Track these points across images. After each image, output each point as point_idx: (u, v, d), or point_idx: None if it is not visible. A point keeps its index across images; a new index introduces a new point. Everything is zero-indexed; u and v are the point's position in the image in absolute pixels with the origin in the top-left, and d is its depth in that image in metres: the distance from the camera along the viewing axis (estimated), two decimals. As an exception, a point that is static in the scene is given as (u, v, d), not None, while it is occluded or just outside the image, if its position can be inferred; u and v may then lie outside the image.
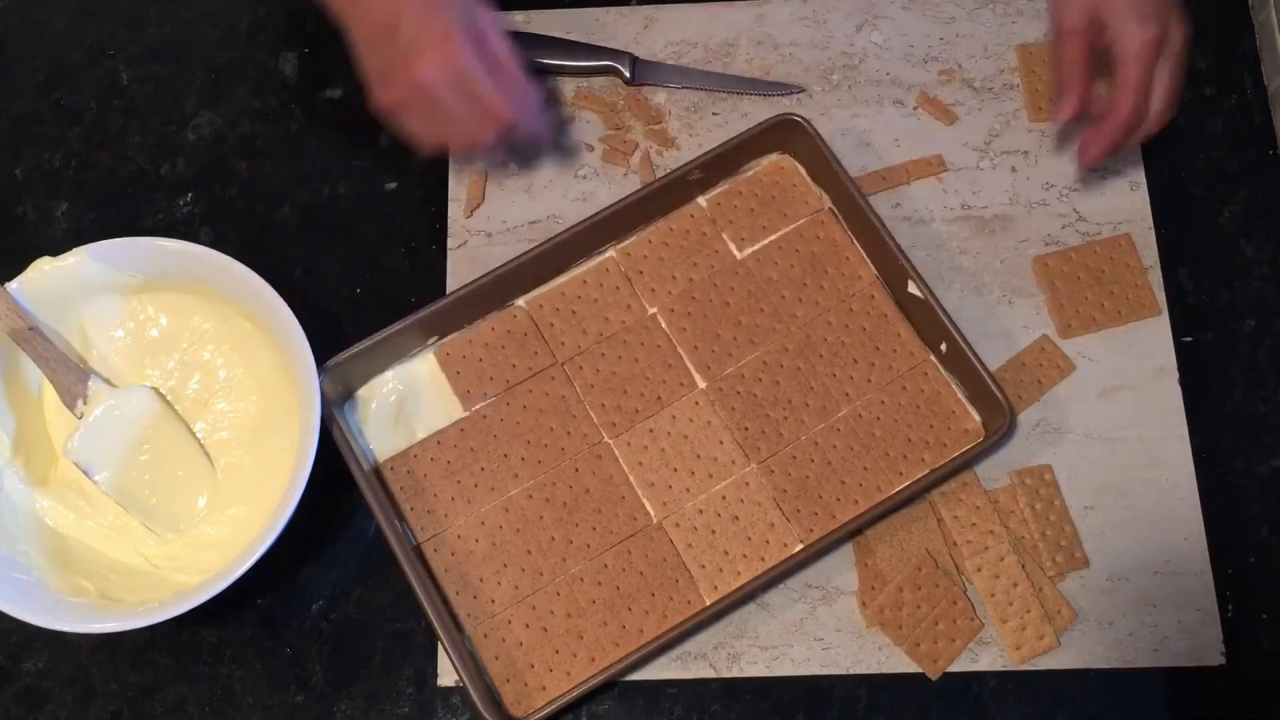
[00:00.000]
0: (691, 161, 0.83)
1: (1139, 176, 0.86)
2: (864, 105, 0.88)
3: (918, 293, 0.80)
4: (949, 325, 0.79)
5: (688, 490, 0.79)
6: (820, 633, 0.77)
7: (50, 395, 0.78)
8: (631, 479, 0.80)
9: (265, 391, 0.80)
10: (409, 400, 0.81)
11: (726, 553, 0.78)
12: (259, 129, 0.90)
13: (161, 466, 0.78)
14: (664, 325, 0.83)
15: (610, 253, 0.84)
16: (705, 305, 0.83)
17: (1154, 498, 0.79)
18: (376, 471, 0.79)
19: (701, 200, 0.85)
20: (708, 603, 0.76)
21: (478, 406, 0.81)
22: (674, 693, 0.77)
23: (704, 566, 0.78)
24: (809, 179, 0.86)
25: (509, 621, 0.77)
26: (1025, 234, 0.85)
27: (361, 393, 0.81)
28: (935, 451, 0.79)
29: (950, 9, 0.91)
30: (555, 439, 0.80)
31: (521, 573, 0.78)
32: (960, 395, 0.81)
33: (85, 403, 0.76)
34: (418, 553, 0.78)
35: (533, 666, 0.76)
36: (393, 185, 0.88)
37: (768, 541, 0.78)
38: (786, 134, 0.84)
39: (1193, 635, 0.77)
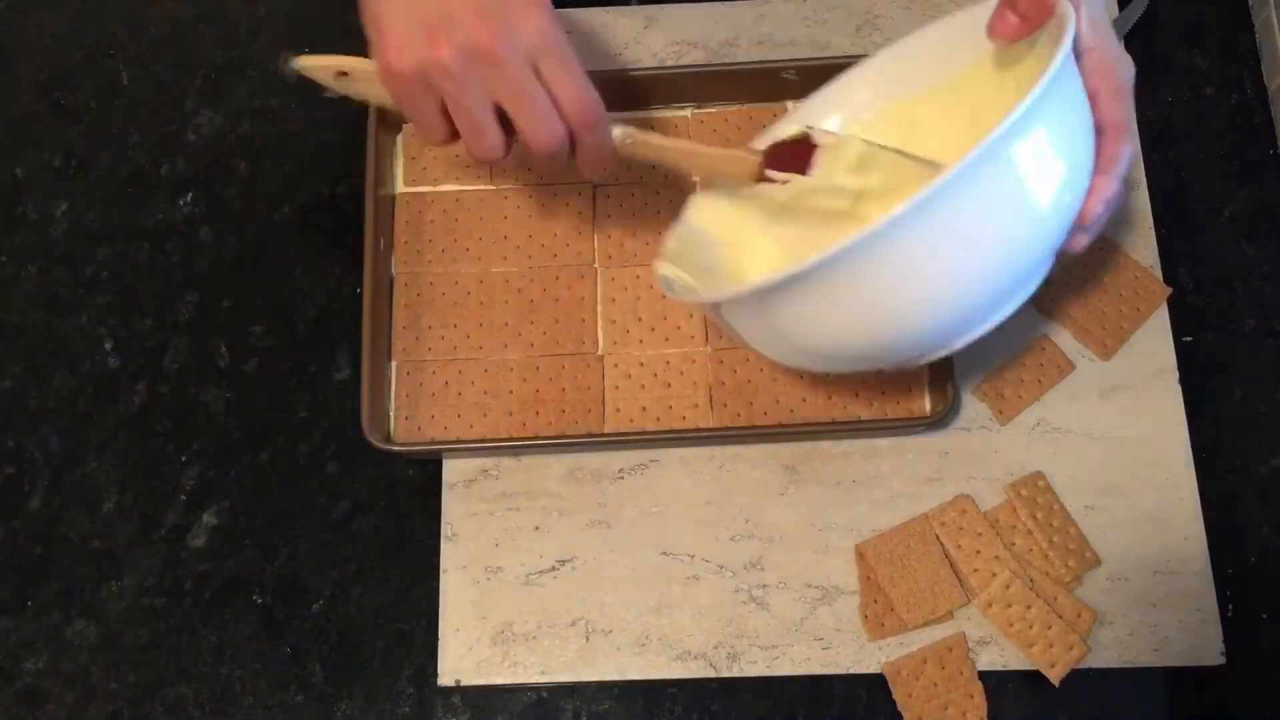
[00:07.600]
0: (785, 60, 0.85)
1: (1139, 176, 0.86)
2: (864, 105, 0.88)
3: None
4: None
5: (640, 341, 0.82)
6: (820, 632, 0.77)
7: None
8: (599, 309, 0.82)
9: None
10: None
11: (644, 409, 0.80)
12: (259, 129, 0.90)
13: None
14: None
15: (687, 113, 0.87)
16: None
17: (1154, 498, 0.79)
18: (392, 200, 0.84)
19: (791, 104, 0.86)
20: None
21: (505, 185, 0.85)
22: (674, 693, 0.77)
23: (619, 410, 0.80)
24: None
25: (433, 372, 0.81)
26: (1025, 234, 0.85)
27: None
28: (875, 411, 0.80)
29: (950, 9, 0.91)
30: (555, 243, 0.84)
31: (465, 338, 0.82)
32: (924, 379, 0.80)
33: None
34: (390, 283, 0.83)
35: (433, 418, 0.80)
36: (393, 185, 0.88)
37: (684, 418, 0.80)
38: None
39: (1193, 635, 0.77)
